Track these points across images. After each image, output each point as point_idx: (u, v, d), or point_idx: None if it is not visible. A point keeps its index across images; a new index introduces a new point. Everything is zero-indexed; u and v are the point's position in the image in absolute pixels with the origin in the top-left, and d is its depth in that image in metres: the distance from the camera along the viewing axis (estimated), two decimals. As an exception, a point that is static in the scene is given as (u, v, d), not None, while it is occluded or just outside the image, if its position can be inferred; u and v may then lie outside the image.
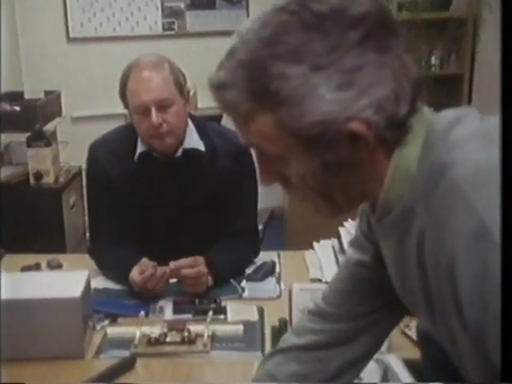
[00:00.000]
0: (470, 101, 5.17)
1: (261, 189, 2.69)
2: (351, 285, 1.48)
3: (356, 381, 1.76)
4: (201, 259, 2.40)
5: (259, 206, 2.74)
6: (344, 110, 1.04)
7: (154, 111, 2.37)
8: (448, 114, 1.15)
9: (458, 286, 1.00)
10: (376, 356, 1.80)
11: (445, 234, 1.03)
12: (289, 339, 1.56)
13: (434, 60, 5.23)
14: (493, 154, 0.98)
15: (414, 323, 1.96)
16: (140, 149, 2.54)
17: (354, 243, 1.49)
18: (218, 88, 1.12)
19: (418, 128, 1.12)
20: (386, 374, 1.82)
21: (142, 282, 2.32)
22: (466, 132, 1.09)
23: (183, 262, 2.37)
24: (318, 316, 1.52)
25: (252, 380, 1.55)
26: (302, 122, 1.06)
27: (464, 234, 0.99)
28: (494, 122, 1.08)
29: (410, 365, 1.81)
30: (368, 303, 1.46)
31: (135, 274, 2.35)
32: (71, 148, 4.48)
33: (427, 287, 1.13)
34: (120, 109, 2.56)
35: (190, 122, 2.58)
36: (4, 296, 1.88)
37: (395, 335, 1.97)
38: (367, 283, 1.45)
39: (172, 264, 2.36)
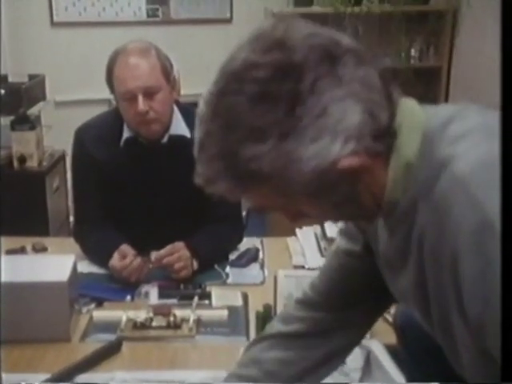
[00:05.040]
0: (447, 92, 5.21)
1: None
2: (340, 274, 1.49)
3: (339, 366, 1.80)
4: (180, 244, 2.42)
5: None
6: (326, 158, 1.03)
7: (140, 98, 2.37)
8: (443, 108, 1.15)
9: (461, 279, 1.01)
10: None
11: (447, 229, 1.03)
12: (275, 326, 1.58)
13: (413, 52, 5.26)
14: (495, 148, 0.98)
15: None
16: (126, 134, 2.54)
17: (343, 232, 1.50)
18: (207, 183, 1.12)
19: (409, 123, 1.12)
20: (369, 358, 1.84)
21: (121, 270, 2.34)
22: (467, 125, 1.09)
23: (163, 251, 2.39)
24: (305, 304, 1.54)
25: (237, 365, 1.57)
26: (295, 186, 1.06)
27: (467, 228, 0.99)
28: (494, 115, 1.07)
29: (392, 350, 1.84)
30: (355, 293, 1.48)
31: (115, 261, 2.36)
32: (55, 132, 4.46)
33: (424, 282, 1.14)
34: (104, 94, 2.56)
35: (176, 109, 2.58)
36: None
37: (377, 322, 2.00)
38: (356, 273, 1.46)
39: (153, 256, 2.39)
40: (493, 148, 1.00)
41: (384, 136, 1.08)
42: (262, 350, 1.54)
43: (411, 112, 1.13)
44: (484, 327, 1.00)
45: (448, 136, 1.08)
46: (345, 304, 1.49)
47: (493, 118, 1.07)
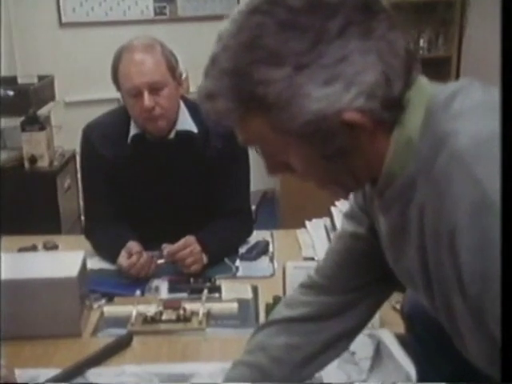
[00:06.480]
0: (457, 82, 5.20)
1: (252, 171, 2.71)
2: (345, 257, 1.49)
3: (349, 355, 1.80)
4: (192, 238, 2.42)
5: (251, 188, 2.76)
6: (333, 104, 1.04)
7: (146, 94, 2.38)
8: (449, 85, 1.14)
9: (459, 256, 1.00)
10: (369, 331, 1.84)
11: (445, 204, 1.02)
12: (280, 311, 1.58)
13: (422, 43, 5.25)
14: (495, 124, 0.98)
15: (404, 299, 1.99)
16: (133, 131, 2.55)
17: (348, 215, 1.50)
18: (207, 98, 1.12)
19: (417, 99, 1.11)
20: (379, 348, 1.84)
21: (128, 268, 2.35)
22: (468, 102, 1.08)
23: (175, 246, 2.39)
24: (311, 288, 1.54)
25: (244, 352, 1.56)
26: (293, 123, 1.06)
27: (465, 204, 0.98)
28: (497, 92, 1.06)
29: (402, 339, 1.83)
30: (360, 276, 1.48)
31: (122, 259, 2.38)
32: (65, 132, 4.48)
33: (426, 261, 1.13)
34: (113, 93, 2.57)
35: (182, 104, 2.59)
36: (1, 276, 1.91)
37: (387, 311, 1.99)
38: (361, 256, 1.46)
39: (165, 251, 2.40)
40: (493, 125, 0.99)
41: (392, 106, 1.08)
42: (268, 336, 1.54)
43: (420, 88, 1.13)
44: (483, 306, 0.99)
45: (449, 112, 1.08)
46: (349, 287, 1.49)
47: (495, 95, 1.07)
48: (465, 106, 1.08)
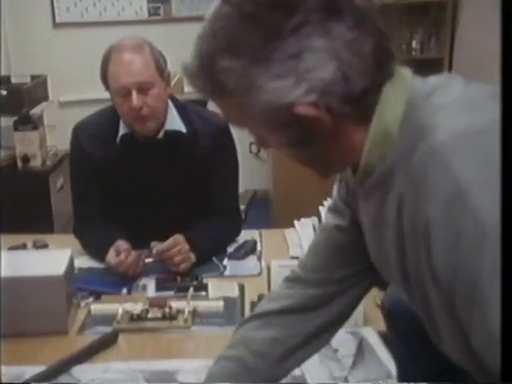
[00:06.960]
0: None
1: (242, 171, 2.73)
2: (327, 250, 1.51)
3: (332, 352, 1.82)
4: (180, 237, 2.44)
5: (243, 188, 2.77)
6: (283, 97, 1.08)
7: (134, 94, 2.39)
8: (431, 79, 1.17)
9: (433, 248, 1.02)
10: (352, 329, 1.85)
11: (421, 195, 1.04)
12: (263, 305, 1.59)
13: (414, 44, 5.27)
14: (474, 119, 1.01)
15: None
16: (122, 131, 2.57)
17: (331, 209, 1.52)
18: (187, 76, 1.18)
19: (397, 92, 1.14)
20: (362, 345, 1.86)
21: (116, 266, 2.37)
22: (448, 96, 1.10)
23: (164, 245, 2.41)
24: (293, 282, 1.55)
25: (227, 346, 1.58)
26: (251, 110, 1.12)
27: (439, 197, 1.00)
28: (477, 87, 1.11)
29: (385, 337, 1.85)
30: (343, 269, 1.49)
31: (111, 257, 2.39)
32: (58, 132, 4.49)
33: (404, 252, 1.15)
34: (107, 93, 2.58)
35: (171, 104, 2.60)
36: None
37: (371, 308, 2.01)
38: (343, 248, 1.48)
39: (154, 250, 2.41)
40: (471, 119, 1.02)
41: (356, 101, 1.10)
42: (250, 330, 1.55)
43: (400, 80, 1.15)
44: (454, 296, 1.01)
45: (429, 106, 1.10)
46: (333, 279, 1.50)
47: (474, 91, 1.11)
48: (444, 101, 1.09)
